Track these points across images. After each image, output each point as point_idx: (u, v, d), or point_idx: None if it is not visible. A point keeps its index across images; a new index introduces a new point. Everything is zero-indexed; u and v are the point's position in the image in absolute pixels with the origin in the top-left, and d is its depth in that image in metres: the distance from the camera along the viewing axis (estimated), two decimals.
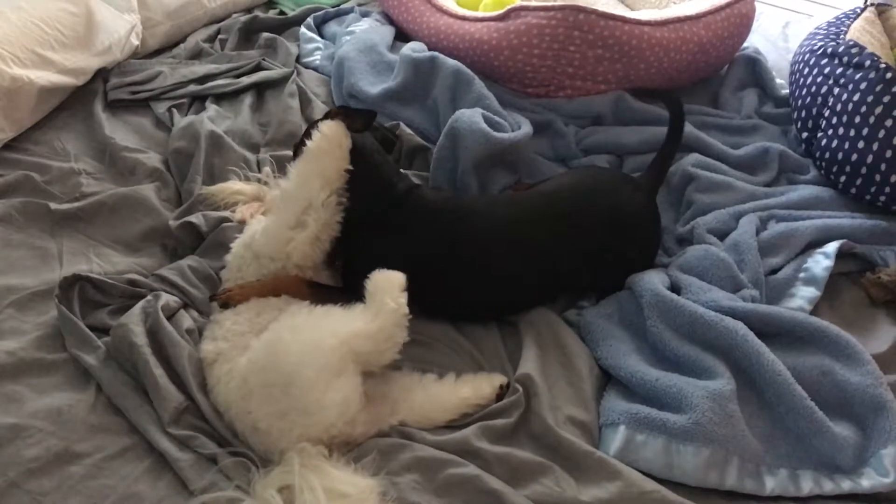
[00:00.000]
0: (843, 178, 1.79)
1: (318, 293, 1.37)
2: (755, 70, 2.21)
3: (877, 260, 1.66)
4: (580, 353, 1.42)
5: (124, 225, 1.61)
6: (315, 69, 2.13)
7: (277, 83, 1.98)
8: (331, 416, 1.19)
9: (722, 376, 1.33)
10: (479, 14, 2.04)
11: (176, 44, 2.18)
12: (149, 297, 1.39)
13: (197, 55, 2.12)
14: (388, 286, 1.25)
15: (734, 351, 1.37)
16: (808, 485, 1.26)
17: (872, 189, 1.74)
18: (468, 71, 1.85)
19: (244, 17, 2.22)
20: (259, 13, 2.32)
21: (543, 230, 1.48)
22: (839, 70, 1.81)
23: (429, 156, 1.76)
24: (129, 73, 1.98)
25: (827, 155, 1.82)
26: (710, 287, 1.51)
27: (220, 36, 2.19)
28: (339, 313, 1.26)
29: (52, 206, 1.61)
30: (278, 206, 1.40)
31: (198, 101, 1.96)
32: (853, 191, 1.78)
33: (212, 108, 1.88)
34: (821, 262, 1.61)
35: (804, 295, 1.56)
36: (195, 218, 1.57)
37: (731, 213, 1.71)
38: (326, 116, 1.44)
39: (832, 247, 1.63)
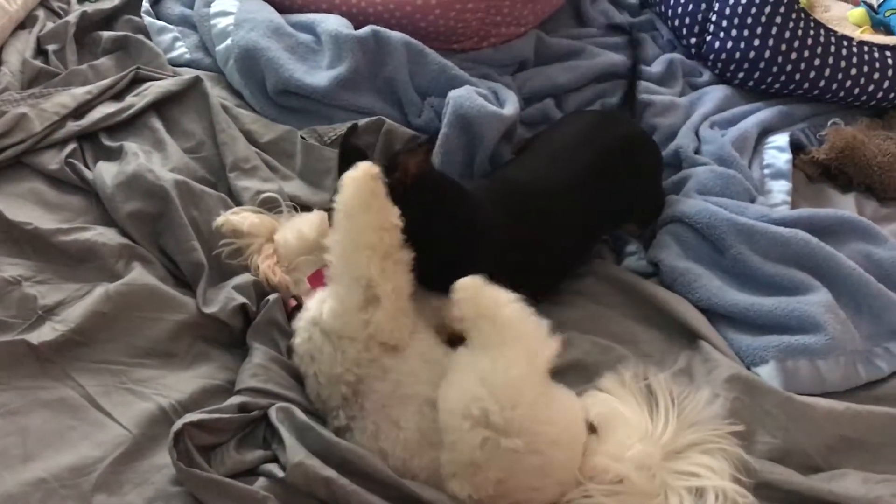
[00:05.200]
0: (740, 75, 1.97)
1: None
2: None
3: (802, 140, 1.88)
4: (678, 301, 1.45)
5: (143, 331, 1.22)
6: (187, 65, 1.73)
7: (175, 95, 1.57)
8: None
9: (819, 287, 1.44)
10: None
11: None
12: (279, 417, 1.11)
13: (35, 79, 1.58)
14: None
15: (811, 259, 1.48)
16: None
17: (769, 80, 1.94)
18: (415, 41, 1.65)
19: (72, 19, 1.67)
20: (66, 7, 1.78)
21: (587, 177, 1.45)
22: None
23: None
24: None
25: (723, 56, 1.98)
26: (747, 204, 1.60)
27: (50, 47, 1.64)
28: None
29: (30, 339, 1.16)
30: (335, 281, 1.14)
31: (87, 141, 1.49)
32: (750, 84, 1.97)
33: (134, 147, 1.44)
34: (779, 155, 1.80)
35: (780, 189, 1.73)
36: (239, 297, 1.25)
37: (691, 130, 1.81)
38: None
39: (783, 139, 1.82)
